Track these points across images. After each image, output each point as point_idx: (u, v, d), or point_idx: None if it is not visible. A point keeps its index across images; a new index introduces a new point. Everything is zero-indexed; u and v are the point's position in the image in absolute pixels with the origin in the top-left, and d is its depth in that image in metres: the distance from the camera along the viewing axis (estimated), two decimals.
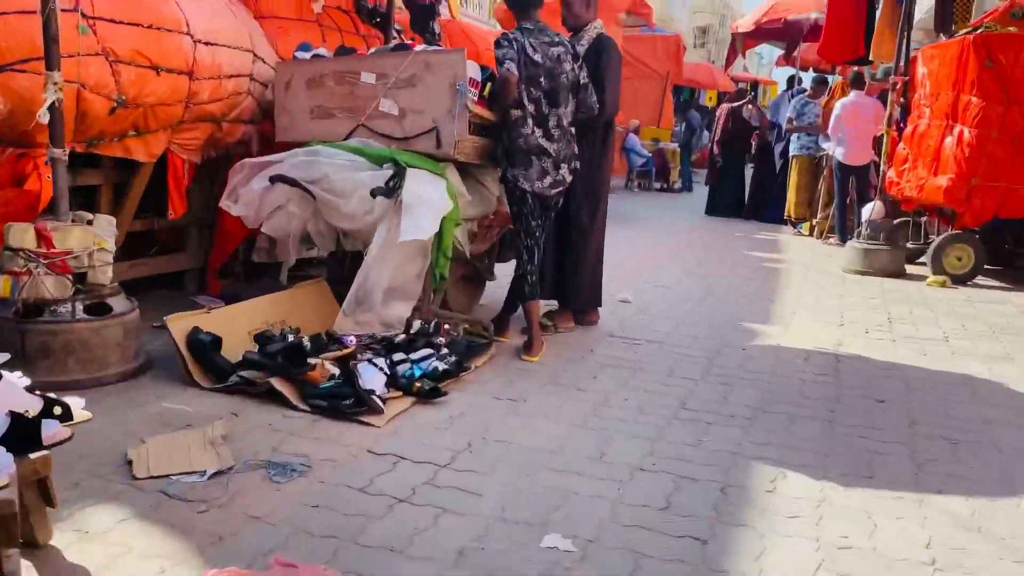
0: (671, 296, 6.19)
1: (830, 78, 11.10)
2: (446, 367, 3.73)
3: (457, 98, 3.93)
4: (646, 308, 5.72)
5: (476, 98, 4.10)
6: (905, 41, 8.14)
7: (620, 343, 4.70)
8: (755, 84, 32.56)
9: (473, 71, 4.05)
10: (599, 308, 5.12)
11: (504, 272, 5.14)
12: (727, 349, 4.72)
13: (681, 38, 20.22)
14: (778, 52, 18.12)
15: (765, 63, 65.35)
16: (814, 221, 10.31)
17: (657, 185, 17.15)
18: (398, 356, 3.71)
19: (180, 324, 3.63)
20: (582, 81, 4.28)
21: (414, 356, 3.74)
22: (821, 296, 6.52)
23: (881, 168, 7.89)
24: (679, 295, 6.23)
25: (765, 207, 11.70)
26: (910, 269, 7.95)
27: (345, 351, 3.65)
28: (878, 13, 10.43)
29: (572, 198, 4.66)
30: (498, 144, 4.29)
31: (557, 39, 4.21)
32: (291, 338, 3.55)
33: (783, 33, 12.54)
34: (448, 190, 4.01)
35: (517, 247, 4.36)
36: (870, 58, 10.40)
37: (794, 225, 10.70)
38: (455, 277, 4.99)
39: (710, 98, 25.48)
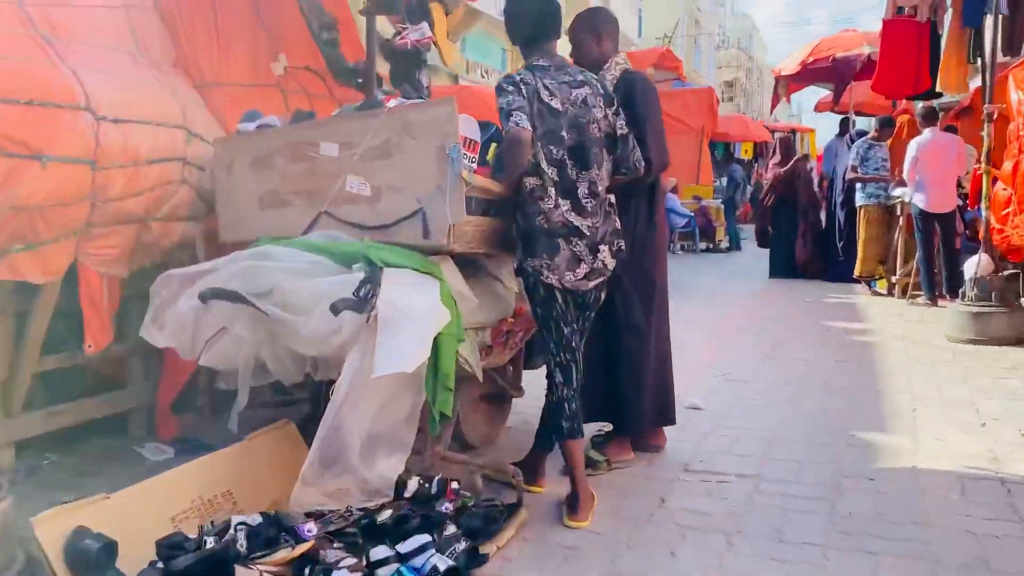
0: (752, 394, 4.90)
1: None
2: (451, 563, 2.50)
3: (448, 167, 2.80)
4: (724, 416, 4.44)
5: (475, 165, 2.96)
6: (990, 67, 6.92)
7: (700, 483, 3.42)
8: (792, 132, 31.52)
9: (469, 129, 2.93)
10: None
11: (535, 380, 3.93)
12: (848, 482, 3.41)
13: (714, 90, 19.25)
14: (814, 97, 16.98)
15: (795, 113, 64.73)
16: (893, 278, 8.97)
17: (702, 245, 15.94)
18: (379, 552, 2.49)
19: (55, 525, 2.46)
20: (619, 131, 3.12)
21: (403, 548, 2.52)
22: (939, 381, 5.17)
23: (983, 213, 6.58)
24: (762, 392, 4.94)
25: (832, 264, 10.40)
26: None
27: (299, 550, 2.45)
28: (943, 41, 9.27)
29: (618, 289, 3.48)
30: (512, 225, 3.13)
31: (581, 77, 3.08)
32: (210, 542, 2.35)
33: (831, 73, 11.40)
34: (443, 294, 2.84)
35: (548, 365, 3.15)
36: (937, 89, 9.20)
37: (868, 284, 9.36)
38: (470, 398, 3.81)
39: (746, 151, 24.46)
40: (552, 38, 3.10)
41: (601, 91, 3.10)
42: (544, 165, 2.94)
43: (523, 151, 2.84)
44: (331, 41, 4.43)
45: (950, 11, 8.98)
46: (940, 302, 8.16)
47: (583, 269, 3.01)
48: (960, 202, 8.47)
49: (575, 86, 3.03)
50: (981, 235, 7.11)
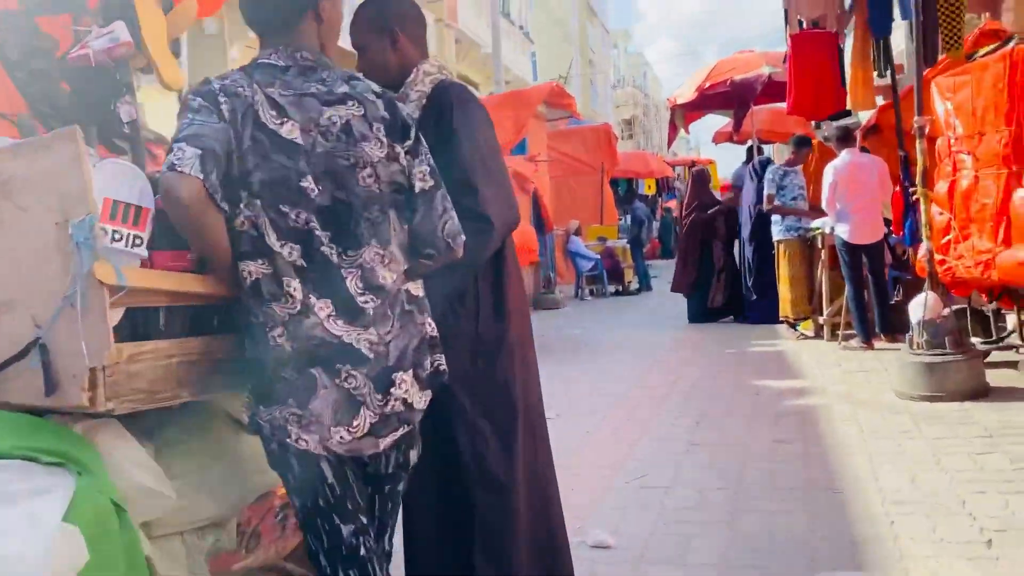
0: (677, 510, 3.65)
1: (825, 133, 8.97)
2: None
3: (76, 260, 1.47)
4: (642, 557, 3.17)
5: (143, 249, 1.63)
6: (916, 77, 6.05)
7: None
8: (692, 166, 31.25)
9: (122, 185, 1.59)
10: None
11: None
12: None
13: (611, 127, 18.55)
14: (712, 129, 16.32)
15: (694, 146, 65.92)
16: (820, 319, 7.99)
17: (611, 289, 14.91)
18: None
19: None
20: (419, 184, 1.82)
21: None
22: (908, 465, 4.04)
23: (925, 244, 5.60)
24: (690, 506, 3.70)
25: (748, 305, 9.41)
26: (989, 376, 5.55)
27: None
28: (847, 53, 8.50)
29: (461, 423, 2.20)
30: (237, 348, 1.80)
31: (344, 88, 1.78)
32: None
33: (730, 98, 10.55)
34: (84, 503, 1.48)
35: None
36: (847, 107, 8.40)
37: (793, 326, 8.35)
38: None
39: (649, 187, 23.96)
40: (295, 20, 1.81)
41: (383, 114, 1.81)
42: (273, 240, 1.64)
43: (186, 215, 1.53)
44: (43, 72, 3.05)
45: (852, 21, 8.22)
46: (875, 343, 7.21)
47: (365, 419, 1.69)
48: (884, 229, 7.60)
49: (330, 102, 1.74)
50: (919, 267, 6.16)
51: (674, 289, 10.10)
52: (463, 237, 1.85)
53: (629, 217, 16.38)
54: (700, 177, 10.20)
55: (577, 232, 14.68)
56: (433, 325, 1.84)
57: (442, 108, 2.26)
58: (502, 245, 2.31)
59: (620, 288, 15.03)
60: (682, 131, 11.95)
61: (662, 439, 4.86)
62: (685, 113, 11.17)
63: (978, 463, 3.99)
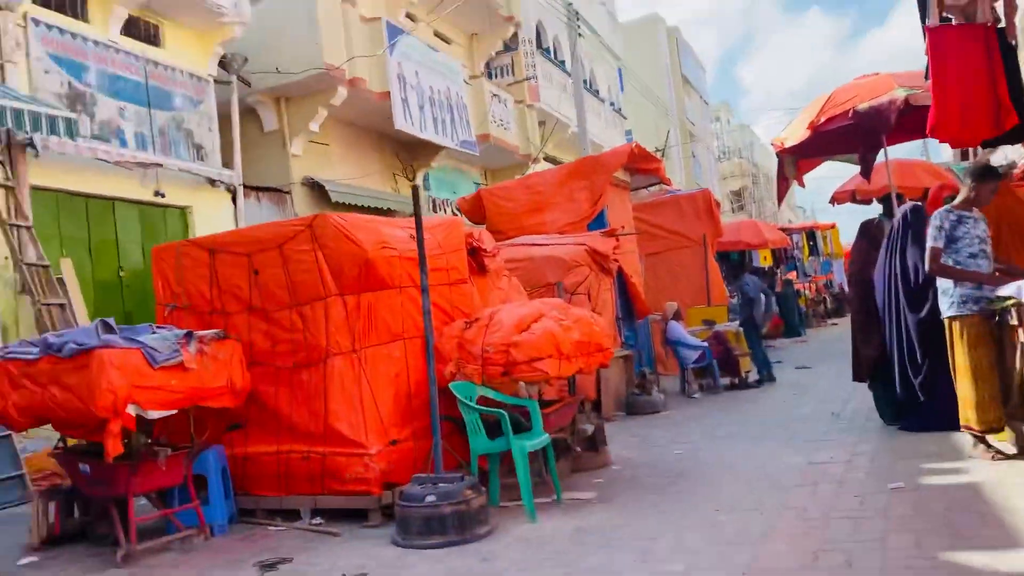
0: None
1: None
2: None
3: None
4: None
5: None
6: None
7: None
8: (811, 232, 28.17)
9: None
10: None
11: None
12: None
13: (711, 192, 16.28)
14: (825, 190, 13.78)
15: (808, 211, 61.94)
16: None
17: (725, 382, 12.34)
18: None
19: None
20: None
21: None
22: None
23: None
24: None
25: (911, 409, 6.82)
26: None
27: None
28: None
29: None
30: None
31: None
32: None
33: (853, 137, 8.15)
34: None
35: None
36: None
37: (982, 439, 5.73)
38: None
39: (764, 258, 21.34)
40: None
41: None
42: None
43: None
44: None
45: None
46: None
47: None
48: None
49: None
50: None
51: (856, 378, 7.72)
52: None
53: (739, 294, 13.85)
54: (869, 230, 7.71)
55: (677, 316, 12.33)
56: None
57: None
58: None
59: (736, 381, 12.41)
60: (795, 184, 9.61)
61: None
62: (797, 160, 8.84)
63: None
